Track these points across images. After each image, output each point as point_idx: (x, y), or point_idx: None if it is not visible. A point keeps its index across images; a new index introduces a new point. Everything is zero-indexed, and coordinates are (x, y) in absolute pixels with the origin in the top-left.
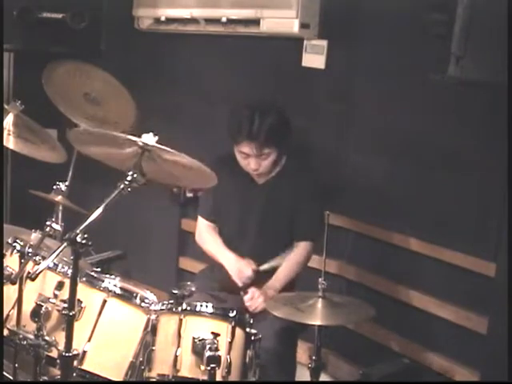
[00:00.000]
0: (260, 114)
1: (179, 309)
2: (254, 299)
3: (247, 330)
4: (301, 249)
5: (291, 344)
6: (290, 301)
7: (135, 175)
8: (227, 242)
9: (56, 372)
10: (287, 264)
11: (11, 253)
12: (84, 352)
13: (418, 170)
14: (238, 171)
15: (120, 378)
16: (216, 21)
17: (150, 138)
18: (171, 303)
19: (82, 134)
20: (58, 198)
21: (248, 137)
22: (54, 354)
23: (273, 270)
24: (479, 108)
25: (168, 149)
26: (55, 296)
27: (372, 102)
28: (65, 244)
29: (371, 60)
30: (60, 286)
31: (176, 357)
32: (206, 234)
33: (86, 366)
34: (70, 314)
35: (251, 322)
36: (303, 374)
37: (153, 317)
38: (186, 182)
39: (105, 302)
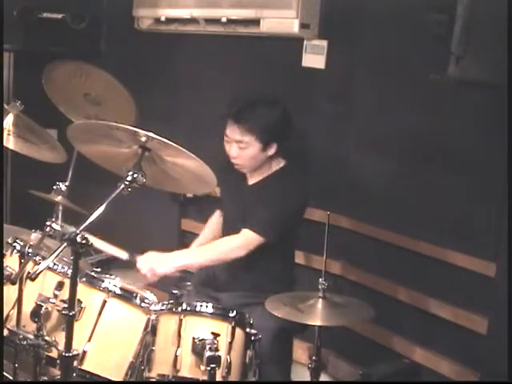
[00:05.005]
0: (253, 101)
1: (179, 309)
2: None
3: (247, 330)
4: (241, 235)
5: (286, 343)
6: (290, 301)
7: (135, 175)
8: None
9: (56, 372)
10: (213, 243)
11: (11, 253)
12: (84, 352)
13: (418, 170)
14: (235, 171)
15: (120, 378)
16: (216, 21)
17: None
18: (171, 303)
19: (81, 128)
20: (58, 198)
21: (232, 117)
22: (54, 354)
23: None
24: (479, 108)
25: (168, 141)
26: (55, 296)
27: (372, 102)
28: (65, 244)
29: (371, 60)
30: (60, 286)
31: (176, 357)
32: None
33: (86, 366)
34: (70, 314)
35: (251, 322)
36: (303, 374)
37: (153, 317)
38: (186, 187)
39: (105, 302)
